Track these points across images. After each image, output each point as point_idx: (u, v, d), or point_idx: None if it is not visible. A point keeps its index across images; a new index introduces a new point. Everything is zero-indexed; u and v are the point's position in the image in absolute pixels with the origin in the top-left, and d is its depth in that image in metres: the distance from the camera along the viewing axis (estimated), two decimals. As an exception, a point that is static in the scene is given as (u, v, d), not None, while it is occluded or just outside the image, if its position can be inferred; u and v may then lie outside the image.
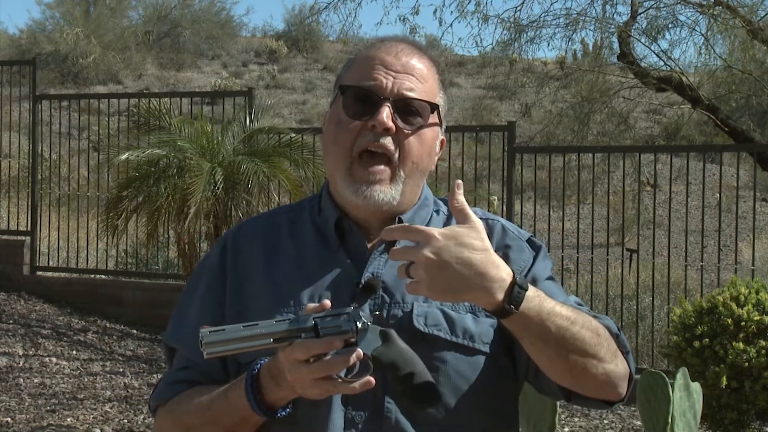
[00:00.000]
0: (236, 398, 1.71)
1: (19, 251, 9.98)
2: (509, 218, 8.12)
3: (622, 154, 8.84)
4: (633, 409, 6.87)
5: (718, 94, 11.27)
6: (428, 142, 1.82)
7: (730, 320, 5.93)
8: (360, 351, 1.61)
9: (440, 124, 1.86)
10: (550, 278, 1.85)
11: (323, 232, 1.86)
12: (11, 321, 8.95)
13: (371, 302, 1.76)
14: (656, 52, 11.32)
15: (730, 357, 5.80)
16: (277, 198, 8.38)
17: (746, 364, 5.80)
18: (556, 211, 12.48)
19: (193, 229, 7.80)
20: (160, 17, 27.75)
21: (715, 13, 10.62)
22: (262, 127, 8.41)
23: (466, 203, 1.59)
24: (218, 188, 7.53)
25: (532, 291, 1.60)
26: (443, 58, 15.98)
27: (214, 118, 9.71)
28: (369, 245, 1.83)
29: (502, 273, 1.58)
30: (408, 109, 1.79)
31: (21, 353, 8.18)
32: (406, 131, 1.79)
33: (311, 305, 1.64)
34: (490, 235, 1.82)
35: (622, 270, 9.04)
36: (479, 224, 1.58)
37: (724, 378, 5.79)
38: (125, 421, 6.73)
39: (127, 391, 7.39)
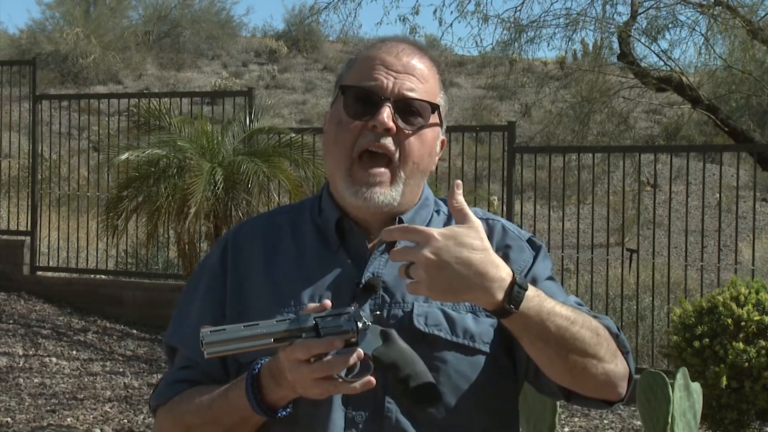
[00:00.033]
0: (237, 398, 1.71)
1: (19, 251, 9.98)
2: (509, 218, 8.12)
3: (622, 154, 8.84)
4: (633, 409, 6.87)
5: (718, 94, 11.28)
6: (429, 143, 1.82)
7: (730, 320, 5.93)
8: (361, 351, 1.62)
9: (441, 125, 1.86)
10: (550, 278, 1.85)
11: (324, 232, 1.86)
12: (11, 321, 8.96)
13: (372, 302, 1.76)
14: (656, 52, 11.34)
15: (730, 357, 5.80)
16: (277, 198, 8.38)
17: (746, 364, 5.80)
18: (556, 211, 12.48)
19: (193, 229, 7.80)
20: (160, 17, 27.75)
21: (715, 13, 10.62)
22: (262, 127, 8.41)
23: (465, 203, 1.60)
24: (218, 188, 7.53)
25: (531, 291, 1.61)
26: (443, 58, 15.98)
27: (214, 118, 9.71)
28: (369, 245, 1.83)
29: (502, 273, 1.58)
30: (409, 110, 1.79)
31: (21, 353, 8.18)
32: (407, 131, 1.79)
33: (312, 305, 1.64)
34: (490, 235, 1.83)
35: (622, 270, 9.04)
36: (478, 224, 1.59)
37: (724, 378, 5.79)
38: (125, 421, 6.73)
39: (127, 391, 7.39)
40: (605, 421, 6.99)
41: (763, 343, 5.85)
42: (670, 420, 3.42)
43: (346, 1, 12.24)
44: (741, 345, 5.80)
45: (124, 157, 8.03)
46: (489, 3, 38.97)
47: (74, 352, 8.35)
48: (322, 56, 28.51)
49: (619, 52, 11.15)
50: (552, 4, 12.51)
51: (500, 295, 1.57)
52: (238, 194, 7.87)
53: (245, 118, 8.49)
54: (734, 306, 5.95)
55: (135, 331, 9.10)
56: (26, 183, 10.91)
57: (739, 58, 10.85)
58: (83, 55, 23.61)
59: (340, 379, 1.61)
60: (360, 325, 1.62)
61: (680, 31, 14.91)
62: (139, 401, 7.14)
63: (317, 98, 24.54)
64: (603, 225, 10.60)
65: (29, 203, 10.20)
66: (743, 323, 5.90)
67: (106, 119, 10.87)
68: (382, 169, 1.78)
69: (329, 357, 1.60)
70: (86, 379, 7.66)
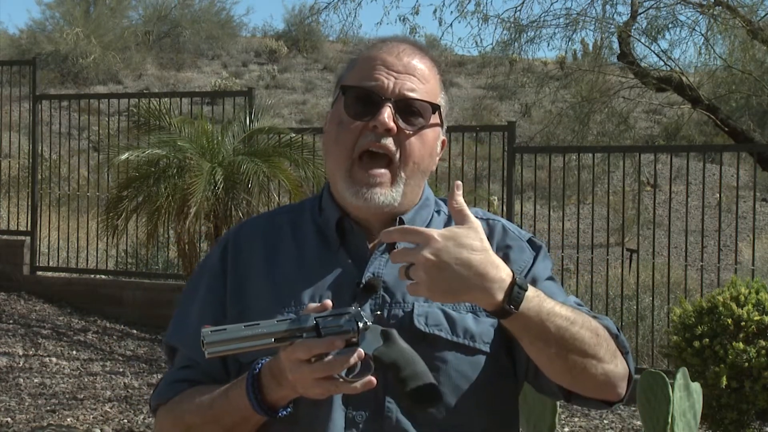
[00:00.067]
0: (237, 398, 1.71)
1: (19, 251, 9.98)
2: (509, 218, 8.12)
3: (622, 154, 8.84)
4: (633, 409, 6.87)
5: (718, 94, 11.27)
6: (429, 143, 1.83)
7: (730, 320, 5.93)
8: (361, 351, 1.62)
9: (441, 125, 1.86)
10: (550, 278, 1.85)
11: (324, 232, 1.86)
12: (11, 321, 8.96)
13: (372, 302, 1.76)
14: (656, 52, 11.33)
15: (730, 357, 5.80)
16: (277, 198, 8.38)
17: (746, 364, 5.80)
18: (556, 211, 12.49)
19: (193, 229, 7.80)
20: (160, 17, 27.75)
21: (715, 13, 10.62)
22: (262, 127, 8.41)
23: (465, 204, 1.60)
24: (218, 188, 7.53)
25: (531, 291, 1.61)
26: (443, 58, 15.99)
27: (214, 118, 9.71)
28: (370, 245, 1.83)
29: (502, 273, 1.58)
30: (409, 110, 1.79)
31: (21, 353, 8.18)
32: (408, 132, 1.79)
33: (312, 305, 1.64)
34: (490, 236, 1.83)
35: (622, 270, 9.04)
36: (478, 225, 1.59)
37: (724, 378, 5.79)
38: (125, 421, 6.73)
39: (127, 391, 7.39)
40: (605, 421, 7.00)
41: (763, 343, 5.85)
42: (670, 420, 3.42)
43: (346, 1, 12.24)
44: (741, 345, 5.80)
45: (124, 157, 8.03)
46: (489, 3, 38.98)
47: (74, 352, 8.35)
48: (322, 56, 28.51)
49: (619, 52, 11.15)
50: (552, 4, 12.51)
51: (500, 296, 1.57)
52: (238, 194, 7.87)
53: (245, 118, 8.49)
54: (734, 306, 5.95)
55: (135, 331, 9.10)
56: (26, 183, 10.91)
57: (739, 58, 10.85)
58: (83, 55, 23.62)
59: (341, 379, 1.61)
60: (361, 325, 1.62)
61: (680, 31, 14.92)
62: (139, 401, 7.14)
63: (317, 98, 24.55)
64: (603, 225, 10.60)
65: (29, 203, 10.20)
66: (743, 323, 5.90)
67: (106, 119, 10.87)
68: (383, 170, 1.78)
69: (330, 357, 1.60)
70: (86, 379, 7.66)
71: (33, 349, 8.32)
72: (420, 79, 1.81)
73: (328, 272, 1.80)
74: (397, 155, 1.78)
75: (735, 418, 5.94)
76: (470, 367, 1.76)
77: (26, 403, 6.99)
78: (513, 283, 1.58)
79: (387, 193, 1.78)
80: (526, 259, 1.84)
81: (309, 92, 25.43)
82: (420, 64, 1.82)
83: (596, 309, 8.31)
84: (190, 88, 21.90)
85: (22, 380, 7.50)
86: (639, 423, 6.77)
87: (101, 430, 6.53)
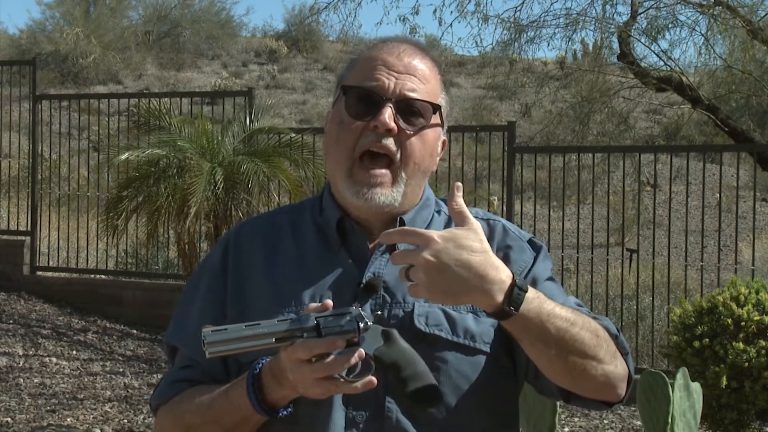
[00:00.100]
0: (237, 397, 1.71)
1: (19, 251, 9.98)
2: (509, 218, 8.12)
3: (622, 154, 8.84)
4: (633, 409, 6.87)
5: (718, 94, 11.27)
6: (430, 143, 1.83)
7: (730, 320, 5.93)
8: (362, 351, 1.62)
9: (442, 125, 1.86)
10: (551, 279, 1.86)
11: (325, 232, 1.86)
12: (11, 321, 8.96)
13: (372, 302, 1.76)
14: (656, 52, 11.33)
15: (730, 357, 5.80)
16: (277, 198, 8.38)
17: (746, 364, 5.80)
18: (556, 211, 12.49)
19: (193, 229, 7.80)
20: (160, 17, 27.75)
21: (715, 13, 10.62)
22: (262, 127, 8.41)
23: (464, 206, 1.60)
24: (218, 188, 7.53)
25: (531, 293, 1.61)
26: (443, 58, 15.97)
27: (214, 118, 9.71)
28: (370, 245, 1.83)
29: (502, 275, 1.58)
30: (410, 110, 1.79)
31: (21, 353, 8.18)
32: (408, 132, 1.79)
33: (313, 305, 1.65)
34: (491, 236, 1.83)
35: (622, 270, 9.04)
36: (478, 226, 1.59)
37: (724, 378, 5.79)
38: (125, 421, 6.73)
39: (127, 391, 7.39)
40: (605, 421, 7.00)
41: (763, 343, 5.85)
42: (670, 420, 3.42)
43: (346, 1, 12.24)
44: (741, 345, 5.80)
45: (124, 157, 8.03)
46: (489, 3, 38.98)
47: (74, 352, 8.35)
48: (322, 56, 28.51)
49: (619, 52, 11.15)
50: (552, 4, 12.53)
51: (500, 297, 1.57)
52: (238, 194, 7.87)
53: (245, 118, 8.49)
54: (734, 306, 5.95)
55: (135, 331, 9.10)
56: (26, 183, 10.91)
57: (739, 58, 10.85)
58: (83, 55, 23.62)
59: (342, 379, 1.62)
60: (361, 325, 1.62)
61: (680, 31, 14.93)
62: (139, 401, 7.14)
63: (317, 98, 24.55)
64: (603, 225, 10.60)
65: (29, 203, 10.20)
66: (743, 323, 5.90)
67: (106, 119, 10.87)
68: (383, 170, 1.78)
69: (331, 357, 1.60)
70: (86, 379, 7.66)
71: (33, 349, 8.32)
72: (421, 80, 1.81)
73: (329, 272, 1.80)
74: (398, 155, 1.78)
75: (735, 418, 5.94)
76: (470, 367, 1.76)
77: (26, 403, 6.99)
78: (513, 284, 1.58)
79: (388, 194, 1.78)
80: (527, 259, 1.84)
81: (309, 92, 25.43)
82: (421, 65, 1.82)
83: (596, 309, 8.31)
84: (190, 88, 21.90)
85: (22, 380, 7.51)
86: (639, 423, 6.77)
87: (101, 430, 6.53)
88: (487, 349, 1.78)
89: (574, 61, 14.83)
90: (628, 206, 12.96)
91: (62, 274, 10.01)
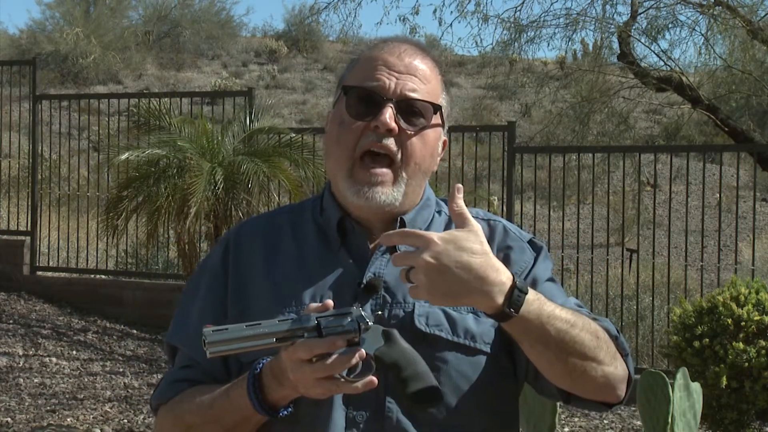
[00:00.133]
0: (238, 397, 1.71)
1: (19, 251, 9.98)
2: (509, 218, 8.12)
3: (622, 154, 8.84)
4: (633, 409, 6.88)
5: (718, 94, 11.27)
6: (431, 143, 1.83)
7: (730, 320, 5.93)
8: (363, 351, 1.62)
9: (443, 125, 1.86)
10: (551, 279, 1.85)
11: (325, 232, 1.86)
12: (11, 321, 8.96)
13: (373, 302, 1.76)
14: (656, 52, 11.33)
15: (730, 357, 5.80)
16: (277, 198, 8.38)
17: (746, 364, 5.80)
18: (556, 211, 12.49)
19: (193, 229, 7.80)
20: (160, 17, 27.75)
21: (715, 13, 10.62)
22: (262, 127, 8.41)
23: (465, 207, 1.60)
24: (218, 188, 7.53)
25: (531, 294, 1.60)
26: (443, 58, 15.97)
27: (214, 118, 9.71)
28: (371, 245, 1.83)
29: (502, 277, 1.58)
30: (411, 110, 1.79)
31: (21, 353, 8.18)
32: (409, 132, 1.79)
33: (313, 305, 1.65)
34: (491, 236, 1.84)
35: (622, 270, 9.04)
36: (478, 228, 1.59)
37: (724, 378, 5.79)
38: (125, 421, 6.73)
39: (127, 391, 7.40)
40: (605, 421, 7.00)
41: (763, 343, 5.85)
42: (670, 420, 3.42)
43: (346, 1, 12.24)
44: (741, 345, 5.80)
45: (124, 157, 8.03)
46: (489, 3, 38.98)
47: (74, 352, 8.35)
48: (322, 56, 28.52)
49: (619, 52, 11.15)
50: (552, 4, 12.51)
51: (500, 299, 1.57)
52: (238, 194, 7.87)
53: (245, 118, 8.49)
54: (734, 306, 5.95)
55: (135, 331, 9.11)
56: (26, 183, 10.91)
57: (739, 58, 10.85)
58: (83, 55, 23.62)
59: (342, 379, 1.62)
60: (362, 325, 1.62)
61: (680, 31, 14.93)
62: (139, 401, 7.14)
63: (317, 98, 24.55)
64: (603, 225, 10.60)
65: (29, 203, 10.20)
66: (743, 323, 5.90)
67: (106, 119, 10.87)
68: (385, 170, 1.78)
69: (335, 357, 1.60)
70: (86, 379, 7.66)
71: (33, 349, 8.32)
72: (421, 80, 1.81)
73: (329, 272, 1.80)
74: (399, 155, 1.78)
75: (735, 418, 5.94)
76: (471, 368, 1.76)
77: (26, 403, 6.99)
78: (513, 286, 1.58)
79: (388, 193, 1.78)
80: (527, 260, 1.84)
81: (309, 92, 25.43)
82: (421, 65, 1.82)
83: (596, 309, 8.31)
84: (190, 88, 21.90)
85: (22, 380, 7.51)
86: (639, 423, 6.77)
87: (101, 430, 6.53)
88: (487, 349, 1.78)
89: (574, 61, 14.83)
90: (628, 206, 12.96)
91: (62, 274, 10.02)
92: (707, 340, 5.93)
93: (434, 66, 1.85)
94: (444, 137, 1.88)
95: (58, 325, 9.05)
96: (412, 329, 1.73)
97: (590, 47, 12.75)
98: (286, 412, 1.71)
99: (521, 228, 2.00)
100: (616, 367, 1.72)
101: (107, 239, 8.49)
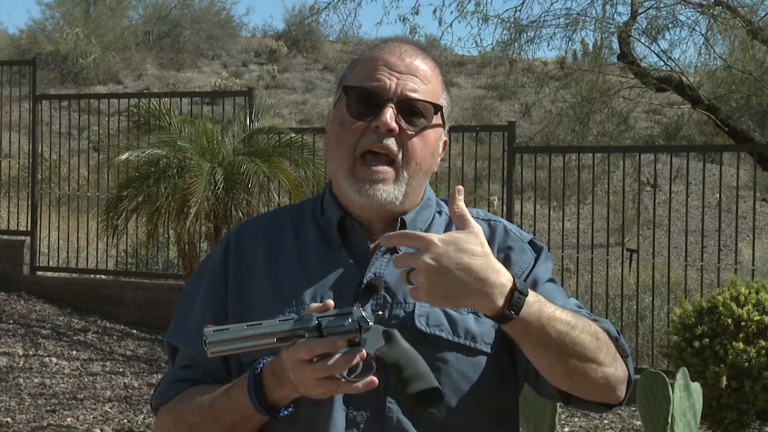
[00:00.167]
0: (239, 397, 1.71)
1: (19, 251, 9.98)
2: (509, 218, 8.12)
3: (622, 154, 8.84)
4: (633, 409, 6.88)
5: (718, 94, 11.27)
6: (431, 144, 1.83)
7: (730, 320, 5.93)
8: (363, 351, 1.62)
9: (443, 125, 1.86)
10: (551, 280, 1.85)
11: (326, 231, 1.86)
12: (11, 321, 8.96)
13: (373, 302, 1.77)
14: (656, 52, 11.33)
15: (730, 357, 5.80)
16: (277, 198, 8.38)
17: (746, 364, 5.80)
18: (556, 211, 12.49)
19: (193, 229, 7.80)
20: (160, 17, 27.75)
21: (715, 13, 10.62)
22: (262, 127, 8.40)
23: (466, 209, 1.60)
24: (218, 188, 7.53)
25: (532, 296, 1.60)
26: (443, 58, 15.96)
27: (214, 118, 9.71)
28: (371, 245, 1.83)
29: (503, 278, 1.57)
30: (411, 110, 1.79)
31: (21, 353, 8.18)
32: (410, 132, 1.79)
33: (314, 305, 1.65)
34: (492, 237, 1.84)
35: (622, 270, 9.04)
36: (479, 230, 1.59)
37: (724, 378, 5.79)
38: (125, 421, 6.73)
39: (127, 391, 7.40)
40: (605, 421, 7.00)
41: (763, 343, 5.85)
42: (670, 420, 3.42)
43: (346, 1, 12.23)
44: (741, 345, 5.80)
45: (124, 157, 8.03)
46: (489, 3, 39.00)
47: (74, 352, 8.35)
48: (322, 56, 28.51)
49: (619, 52, 11.15)
50: (552, 4, 12.55)
51: (501, 301, 1.57)
52: (238, 194, 7.87)
53: (245, 118, 8.49)
54: (734, 306, 5.95)
55: (135, 331, 9.11)
56: (26, 183, 10.91)
57: (739, 58, 10.85)
58: (83, 55, 23.62)
59: (343, 379, 1.62)
60: (363, 325, 1.63)
61: (680, 31, 14.94)
62: (139, 401, 7.14)
63: (317, 98, 24.55)
64: (603, 225, 10.60)
65: (29, 203, 10.20)
66: (743, 323, 5.91)
67: (106, 119, 10.88)
68: (386, 167, 1.78)
69: (336, 357, 1.60)
70: (86, 379, 7.66)
71: (33, 349, 8.32)
72: (422, 80, 1.81)
73: (330, 272, 1.80)
74: (400, 156, 1.78)
75: (735, 418, 5.94)
76: (471, 368, 1.76)
77: (26, 403, 6.99)
78: (513, 288, 1.58)
79: (390, 190, 1.78)
80: (527, 260, 1.84)
81: (309, 92, 25.43)
82: (422, 65, 1.82)
83: (596, 309, 8.31)
84: (190, 88, 21.90)
85: (22, 380, 7.51)
86: (639, 423, 6.77)
87: (101, 430, 6.53)
88: (487, 349, 1.78)
89: (574, 61, 14.82)
90: (628, 206, 12.95)
91: (62, 274, 10.02)
92: (707, 340, 5.93)
93: (435, 66, 1.85)
94: (445, 137, 1.88)
95: (58, 325, 9.05)
96: (412, 329, 1.73)
97: (590, 47, 12.75)
98: (286, 412, 1.71)
99: (521, 228, 2.00)
100: (616, 369, 1.72)
101: (107, 239, 8.50)
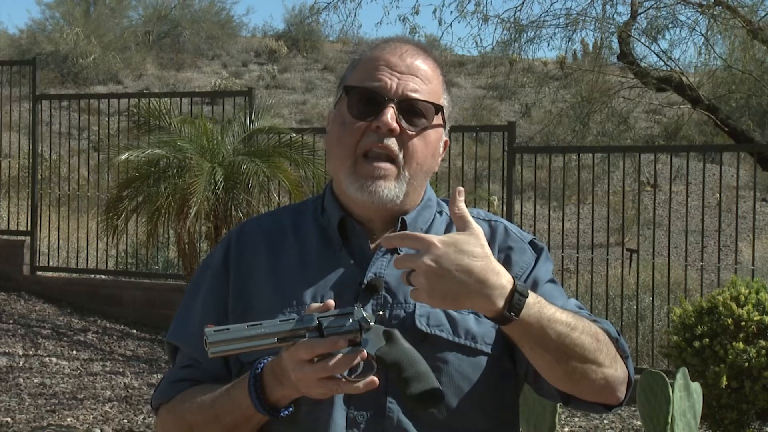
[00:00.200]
0: (239, 397, 1.71)
1: (19, 251, 9.98)
2: (509, 218, 8.13)
3: (622, 154, 8.84)
4: (633, 409, 6.88)
5: (718, 94, 11.27)
6: (432, 144, 1.83)
7: (730, 320, 5.93)
8: (364, 351, 1.62)
9: (444, 126, 1.86)
10: (551, 281, 1.85)
11: (326, 231, 1.86)
12: (11, 321, 8.96)
13: (374, 302, 1.77)
14: (656, 52, 11.33)
15: (730, 357, 5.80)
16: (277, 198, 8.38)
17: (746, 364, 5.80)
18: (556, 211, 12.49)
19: (193, 229, 7.80)
20: (160, 17, 27.76)
21: (715, 13, 10.62)
22: (262, 127, 8.40)
23: (466, 210, 1.60)
24: (218, 188, 7.53)
25: (532, 298, 1.60)
26: (443, 58, 15.95)
27: (214, 118, 9.72)
28: (372, 245, 1.83)
29: (503, 280, 1.57)
30: (412, 111, 1.79)
31: (21, 353, 8.18)
32: (411, 132, 1.79)
33: (315, 305, 1.65)
34: (492, 237, 1.84)
35: (622, 270, 9.04)
36: (479, 231, 1.59)
37: (724, 378, 5.79)
38: (125, 421, 6.73)
39: (127, 391, 7.40)
40: (605, 421, 7.00)
41: (763, 343, 5.85)
42: (670, 420, 3.42)
43: (346, 1, 12.22)
44: (741, 345, 5.80)
45: (124, 157, 8.03)
46: (489, 3, 39.00)
47: (74, 352, 8.35)
48: (322, 56, 28.52)
49: (619, 52, 11.15)
50: (552, 4, 12.49)
51: (501, 303, 1.57)
52: (238, 194, 7.87)
53: (245, 118, 8.49)
54: (734, 306, 5.95)
55: (135, 331, 9.11)
56: (26, 183, 10.91)
57: (739, 58, 10.85)
58: (83, 55, 23.62)
59: (344, 379, 1.62)
60: (363, 325, 1.63)
61: (680, 31, 14.94)
62: (139, 401, 7.14)
63: (317, 98, 24.55)
64: (603, 225, 10.60)
65: (29, 203, 10.20)
66: (743, 323, 5.91)
67: (106, 119, 10.88)
68: (388, 164, 1.78)
69: (337, 357, 1.60)
70: (86, 379, 7.66)
71: (33, 349, 8.32)
72: (423, 80, 1.81)
73: (331, 272, 1.80)
74: (400, 156, 1.78)
75: (735, 418, 5.94)
76: (471, 368, 1.77)
77: (26, 403, 6.99)
78: (514, 289, 1.58)
79: (391, 187, 1.78)
80: (528, 261, 1.84)
81: (309, 92, 25.43)
82: (423, 65, 1.82)
83: (596, 309, 8.31)
84: (190, 88, 21.89)
85: (22, 380, 7.51)
86: (639, 423, 6.77)
87: (101, 430, 6.53)
88: (488, 350, 1.78)
89: (574, 61, 14.83)
90: (628, 206, 12.96)
91: (62, 274, 10.02)
92: (707, 340, 5.93)
93: (435, 66, 1.84)
94: (445, 138, 1.88)
95: (58, 325, 9.05)
96: (413, 329, 1.73)
97: (590, 47, 12.75)
98: (286, 412, 1.71)
99: (521, 228, 2.00)
100: (616, 370, 1.72)
101: (107, 239, 8.50)
